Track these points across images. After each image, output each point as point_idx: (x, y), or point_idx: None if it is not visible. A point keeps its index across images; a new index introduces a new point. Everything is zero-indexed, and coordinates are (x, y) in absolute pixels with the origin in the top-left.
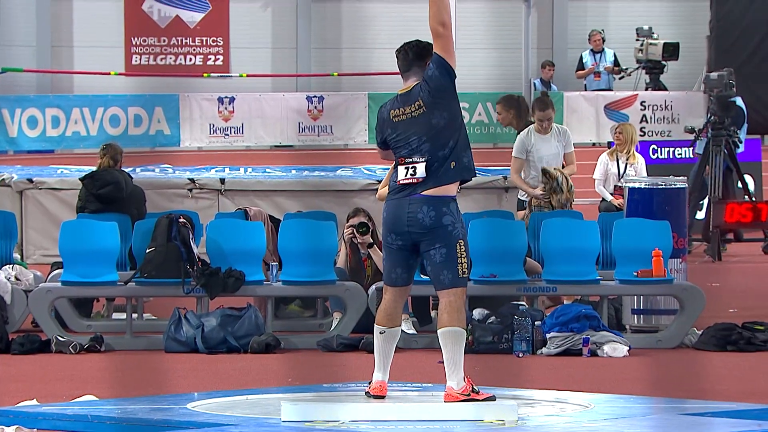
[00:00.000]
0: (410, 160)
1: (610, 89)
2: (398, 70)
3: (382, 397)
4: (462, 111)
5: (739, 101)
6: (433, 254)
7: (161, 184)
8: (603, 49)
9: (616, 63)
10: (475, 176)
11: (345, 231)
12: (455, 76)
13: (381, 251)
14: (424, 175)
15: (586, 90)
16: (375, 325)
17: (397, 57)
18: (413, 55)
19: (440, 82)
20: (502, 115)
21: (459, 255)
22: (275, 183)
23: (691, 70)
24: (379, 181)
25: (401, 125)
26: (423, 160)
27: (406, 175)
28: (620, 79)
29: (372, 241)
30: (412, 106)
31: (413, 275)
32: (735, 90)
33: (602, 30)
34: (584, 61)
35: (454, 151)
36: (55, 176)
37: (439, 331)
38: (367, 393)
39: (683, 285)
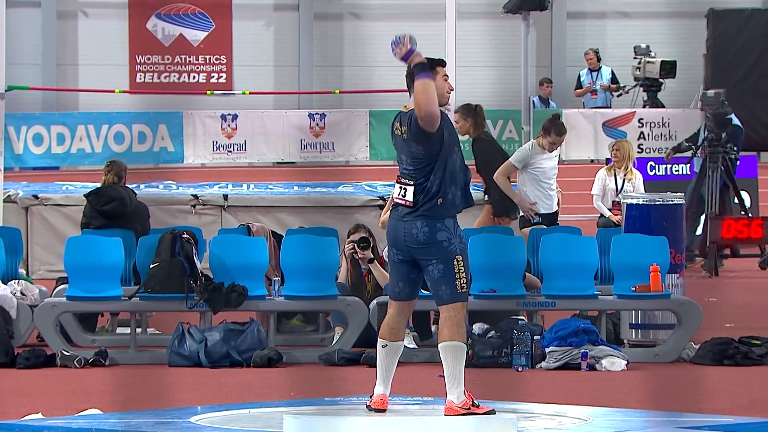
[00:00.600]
0: (403, 180)
1: (608, 107)
2: (399, 88)
3: (383, 410)
4: (452, 148)
5: (735, 119)
6: (431, 270)
7: (165, 200)
8: (600, 68)
9: (614, 80)
10: (467, 207)
11: (346, 246)
12: (437, 131)
13: (381, 266)
14: (411, 201)
15: (584, 107)
16: (378, 339)
17: (406, 77)
18: (408, 78)
19: (418, 131)
20: (459, 123)
21: (457, 270)
22: (277, 199)
23: (688, 88)
24: (381, 198)
25: (397, 141)
26: (411, 183)
27: (398, 195)
28: (618, 96)
29: (372, 256)
30: (404, 127)
31: (417, 290)
32: (729, 108)
33: (597, 49)
34: (582, 79)
35: (440, 187)
36: (60, 192)
37: (439, 346)
38: (368, 406)
39: (681, 300)
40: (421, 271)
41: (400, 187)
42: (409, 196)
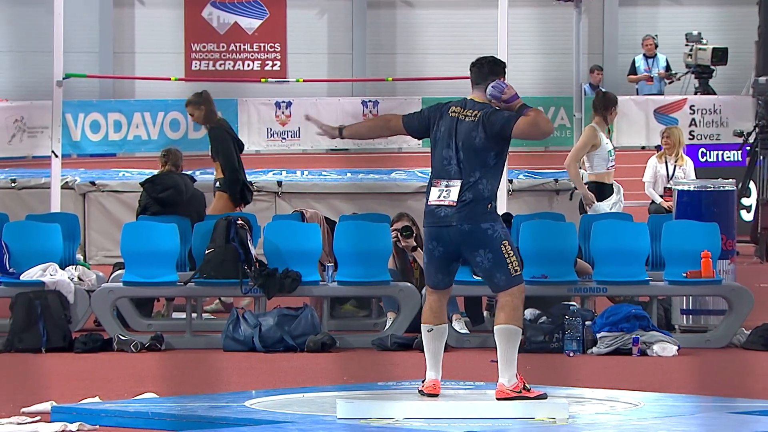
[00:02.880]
0: (445, 182)
1: (660, 93)
2: (450, 75)
3: (436, 395)
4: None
5: None
6: (480, 261)
7: None
8: (656, 54)
9: (667, 68)
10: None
11: (390, 235)
12: (507, 140)
13: None
14: (456, 200)
15: (637, 94)
16: (422, 325)
17: (471, 70)
18: (488, 69)
19: (494, 130)
20: (194, 114)
21: (507, 255)
22: (331, 186)
23: (740, 75)
24: None
25: (453, 123)
26: (458, 180)
27: (439, 197)
28: (670, 83)
29: (415, 244)
30: (472, 111)
31: (454, 278)
32: None
33: (655, 36)
34: (637, 65)
35: (489, 190)
36: (117, 179)
37: (495, 328)
38: (420, 391)
39: (732, 286)
40: (458, 261)
41: (439, 191)
42: (454, 196)
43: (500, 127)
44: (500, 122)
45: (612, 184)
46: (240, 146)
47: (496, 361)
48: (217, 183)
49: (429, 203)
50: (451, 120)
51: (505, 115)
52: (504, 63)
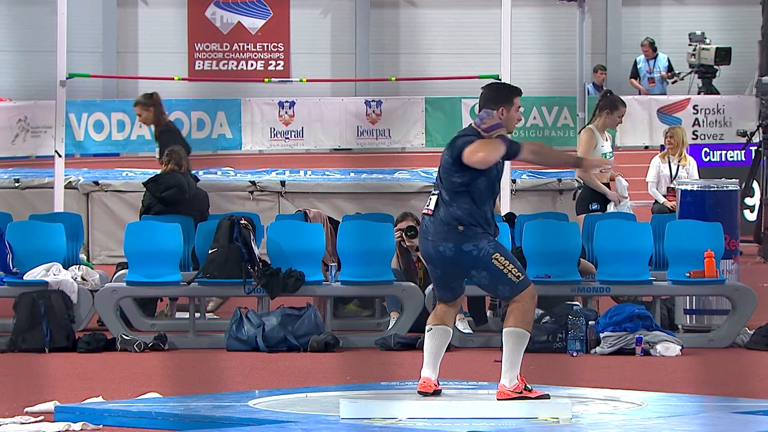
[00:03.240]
0: (432, 192)
1: (663, 94)
2: (454, 75)
3: (429, 393)
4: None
5: None
6: (478, 280)
7: (223, 186)
8: (656, 56)
9: (670, 67)
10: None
11: (394, 234)
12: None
13: None
14: (432, 209)
15: (640, 94)
16: (426, 326)
17: (481, 95)
18: (487, 97)
19: (453, 154)
20: (142, 115)
21: (502, 267)
22: (334, 185)
23: (743, 75)
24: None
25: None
26: (437, 192)
27: (426, 205)
28: (673, 83)
29: None
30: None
31: (459, 292)
32: None
33: (653, 40)
34: (639, 66)
35: (458, 214)
36: (121, 179)
37: (503, 330)
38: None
39: (735, 285)
40: (460, 279)
41: (429, 199)
42: (432, 205)
43: (458, 151)
44: (459, 147)
45: (608, 184)
46: (187, 149)
47: (500, 361)
48: None
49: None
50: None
51: (468, 140)
52: (507, 90)
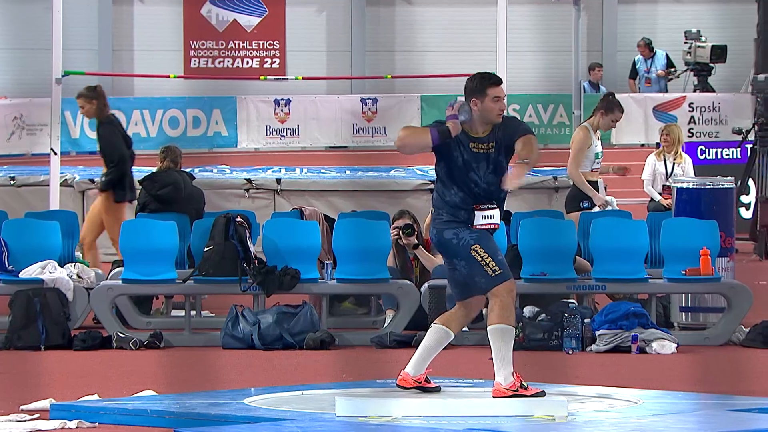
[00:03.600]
0: (484, 204)
1: (662, 91)
2: (449, 73)
3: (402, 387)
4: (446, 172)
5: None
6: (459, 270)
7: (219, 184)
8: (654, 55)
9: (669, 63)
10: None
11: (391, 232)
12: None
13: (427, 251)
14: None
15: (639, 92)
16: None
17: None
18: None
19: (506, 144)
20: (84, 107)
21: (480, 258)
22: (330, 183)
23: (739, 72)
24: (432, 181)
25: (477, 157)
26: (494, 204)
27: (484, 222)
28: (669, 81)
29: (417, 242)
30: (489, 143)
31: (467, 290)
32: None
33: (649, 41)
34: (638, 66)
35: (440, 201)
36: None
37: (487, 329)
38: (419, 387)
39: (731, 283)
40: (453, 268)
41: (485, 214)
42: (497, 218)
43: (505, 136)
44: None
45: (597, 182)
46: (128, 143)
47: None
48: (103, 178)
49: None
50: (478, 155)
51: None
52: (479, 81)
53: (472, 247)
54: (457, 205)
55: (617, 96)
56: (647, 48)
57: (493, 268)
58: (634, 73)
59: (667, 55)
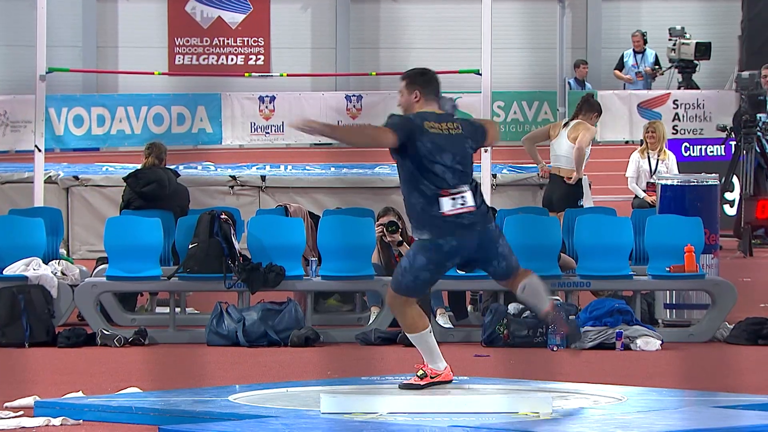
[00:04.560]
0: (455, 189)
1: (647, 88)
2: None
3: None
4: (411, 174)
5: None
6: (502, 250)
7: (203, 181)
8: (645, 50)
9: (657, 63)
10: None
11: (376, 229)
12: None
13: None
14: (474, 204)
15: (624, 89)
16: (423, 331)
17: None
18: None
19: (476, 129)
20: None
21: (401, 263)
22: (315, 180)
23: (723, 69)
24: None
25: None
26: (467, 188)
27: (453, 207)
28: (653, 80)
29: (401, 239)
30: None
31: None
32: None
33: (645, 32)
34: (626, 60)
35: (409, 204)
36: (101, 173)
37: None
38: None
39: (715, 280)
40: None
41: (454, 198)
42: (471, 201)
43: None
44: None
45: (581, 178)
46: None
47: (480, 356)
48: None
49: None
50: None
51: None
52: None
53: (410, 251)
54: (420, 212)
55: (603, 93)
56: (642, 40)
57: (398, 278)
58: (620, 65)
59: (656, 56)
